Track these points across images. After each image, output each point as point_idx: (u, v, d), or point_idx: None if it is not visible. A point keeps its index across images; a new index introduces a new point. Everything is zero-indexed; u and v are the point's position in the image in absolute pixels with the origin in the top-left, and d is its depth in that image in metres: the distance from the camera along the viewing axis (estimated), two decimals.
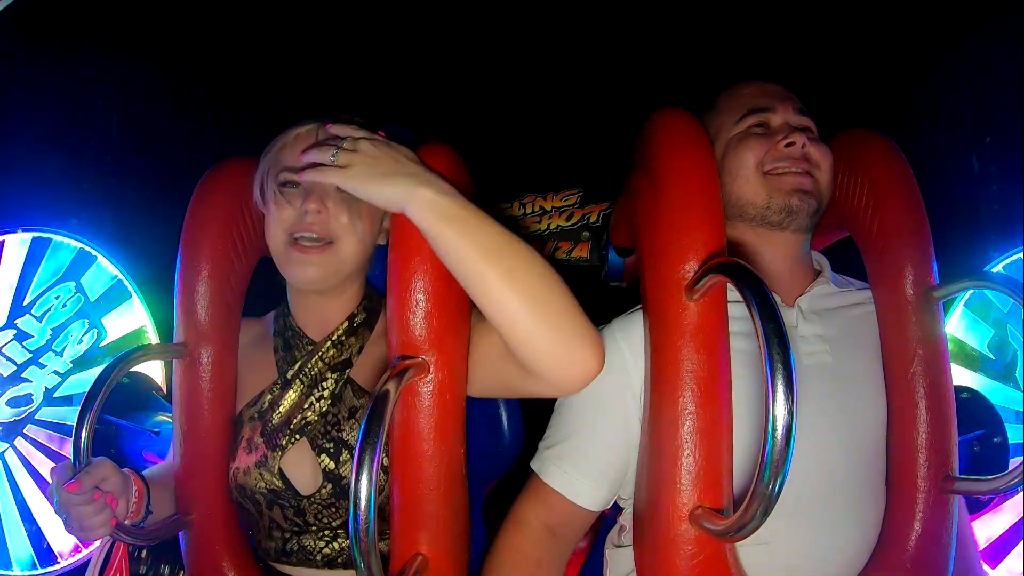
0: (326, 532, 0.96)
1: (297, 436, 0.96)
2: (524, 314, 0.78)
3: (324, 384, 0.98)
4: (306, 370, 0.99)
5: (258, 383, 1.03)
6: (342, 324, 1.01)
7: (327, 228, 0.93)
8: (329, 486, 0.93)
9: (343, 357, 1.00)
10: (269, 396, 1.00)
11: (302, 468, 0.95)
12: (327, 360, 0.99)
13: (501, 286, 0.78)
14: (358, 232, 0.96)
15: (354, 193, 0.84)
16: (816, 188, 1.00)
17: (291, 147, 0.96)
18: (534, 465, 1.01)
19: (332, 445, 0.95)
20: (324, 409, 0.97)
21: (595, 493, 0.97)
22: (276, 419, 0.98)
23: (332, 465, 0.94)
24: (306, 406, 0.97)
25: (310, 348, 1.01)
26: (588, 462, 0.96)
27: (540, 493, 0.99)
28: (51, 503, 0.88)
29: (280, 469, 0.95)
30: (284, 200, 0.95)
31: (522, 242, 0.81)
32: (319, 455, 0.95)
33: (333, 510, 0.94)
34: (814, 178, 1.00)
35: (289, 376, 1.00)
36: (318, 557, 0.96)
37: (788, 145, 0.99)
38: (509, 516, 1.00)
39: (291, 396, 0.98)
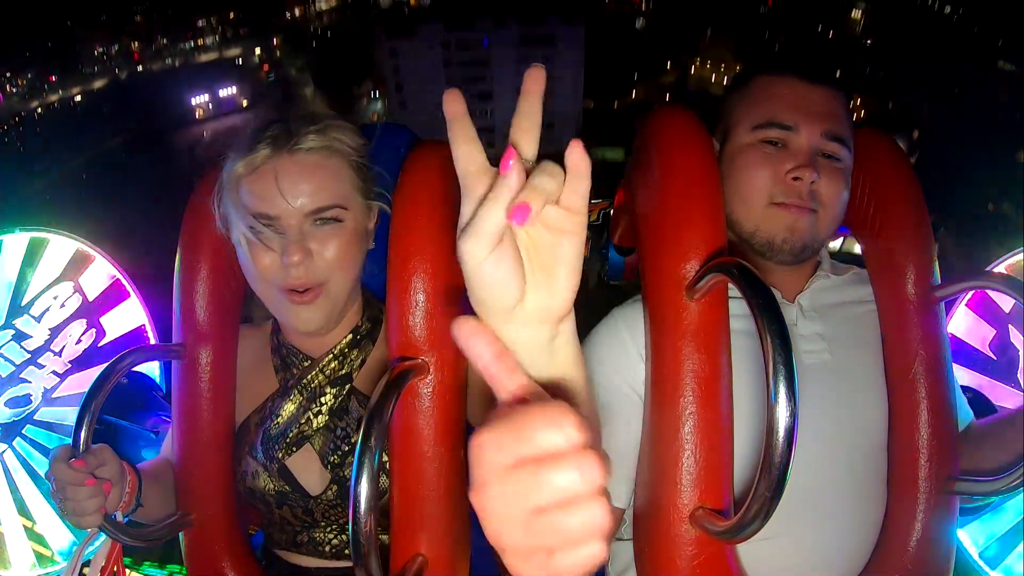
0: (334, 526, 0.98)
1: (294, 448, 0.97)
2: None
3: (323, 399, 0.97)
4: (304, 382, 0.98)
5: (263, 391, 1.03)
6: (345, 337, 0.99)
7: (316, 275, 0.88)
8: (335, 487, 0.95)
9: (343, 371, 0.99)
10: (270, 404, 1.01)
11: (310, 471, 0.97)
12: (327, 373, 0.98)
13: None
14: (347, 263, 0.90)
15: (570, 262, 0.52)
16: (812, 228, 0.93)
17: (249, 181, 0.87)
18: None
19: (339, 457, 0.96)
20: (323, 423, 0.97)
21: (615, 490, 0.94)
22: (274, 429, 0.98)
23: (338, 467, 0.96)
24: (303, 420, 0.97)
25: (306, 364, 0.99)
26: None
27: None
28: (49, 500, 0.89)
29: (288, 473, 0.96)
30: (261, 245, 0.87)
31: None
32: (327, 468, 0.96)
33: (339, 509, 0.96)
34: (816, 216, 0.93)
35: (288, 386, 0.99)
36: (326, 548, 0.99)
37: (795, 179, 0.92)
38: None
39: (288, 408, 0.98)
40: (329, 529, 0.98)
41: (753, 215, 0.95)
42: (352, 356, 0.99)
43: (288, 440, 0.96)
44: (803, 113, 0.94)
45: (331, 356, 0.98)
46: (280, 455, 0.96)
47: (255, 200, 0.86)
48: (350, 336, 0.99)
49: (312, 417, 0.97)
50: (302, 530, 0.99)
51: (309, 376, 0.98)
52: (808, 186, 0.92)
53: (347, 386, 0.98)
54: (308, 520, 0.98)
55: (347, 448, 0.96)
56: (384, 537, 0.94)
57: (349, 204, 0.91)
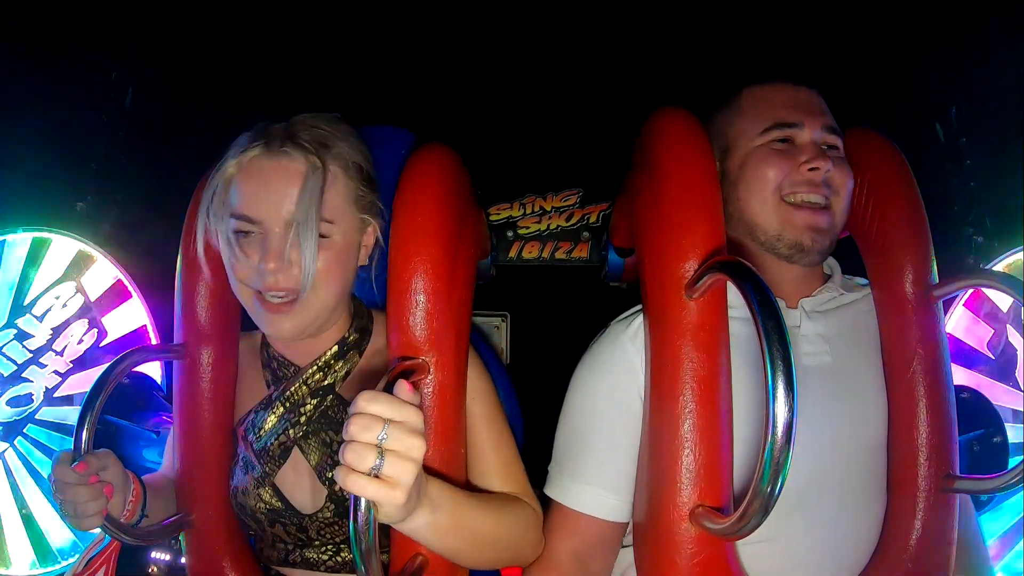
0: (329, 546, 0.94)
1: (281, 461, 0.94)
2: (489, 566, 0.88)
3: (303, 409, 0.94)
4: (288, 394, 0.95)
5: (252, 401, 1.00)
6: (331, 348, 0.95)
7: (294, 281, 0.84)
8: (332, 507, 0.92)
9: (327, 382, 0.95)
10: (252, 416, 0.98)
11: (301, 489, 0.94)
12: (311, 384, 0.94)
13: (472, 562, 0.84)
14: (329, 277, 0.86)
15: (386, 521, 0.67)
16: (831, 223, 0.95)
17: (239, 181, 0.85)
18: (552, 493, 0.96)
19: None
20: (300, 433, 0.94)
21: (624, 504, 0.93)
22: (257, 444, 0.95)
23: (336, 486, 0.91)
24: (282, 431, 0.94)
25: (292, 375, 0.96)
26: (612, 473, 0.93)
27: (566, 521, 0.94)
28: (50, 499, 0.89)
29: (277, 490, 0.94)
30: (240, 251, 0.84)
31: (490, 518, 0.82)
32: (324, 484, 0.92)
33: (336, 528, 0.93)
34: (831, 211, 0.95)
35: (272, 397, 0.96)
36: (321, 568, 0.95)
37: (811, 170, 0.94)
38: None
39: (271, 419, 0.95)
40: (324, 549, 0.94)
41: (773, 216, 0.96)
42: (337, 367, 0.95)
43: (270, 453, 0.94)
44: (803, 111, 0.98)
45: (316, 368, 0.94)
46: (268, 469, 0.94)
47: (240, 201, 0.83)
48: (336, 348, 0.95)
49: (290, 427, 0.94)
50: (295, 548, 0.95)
51: (294, 388, 0.94)
52: (824, 175, 0.95)
53: (329, 396, 0.94)
54: (302, 538, 0.94)
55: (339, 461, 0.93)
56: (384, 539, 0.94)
57: (338, 218, 0.87)
